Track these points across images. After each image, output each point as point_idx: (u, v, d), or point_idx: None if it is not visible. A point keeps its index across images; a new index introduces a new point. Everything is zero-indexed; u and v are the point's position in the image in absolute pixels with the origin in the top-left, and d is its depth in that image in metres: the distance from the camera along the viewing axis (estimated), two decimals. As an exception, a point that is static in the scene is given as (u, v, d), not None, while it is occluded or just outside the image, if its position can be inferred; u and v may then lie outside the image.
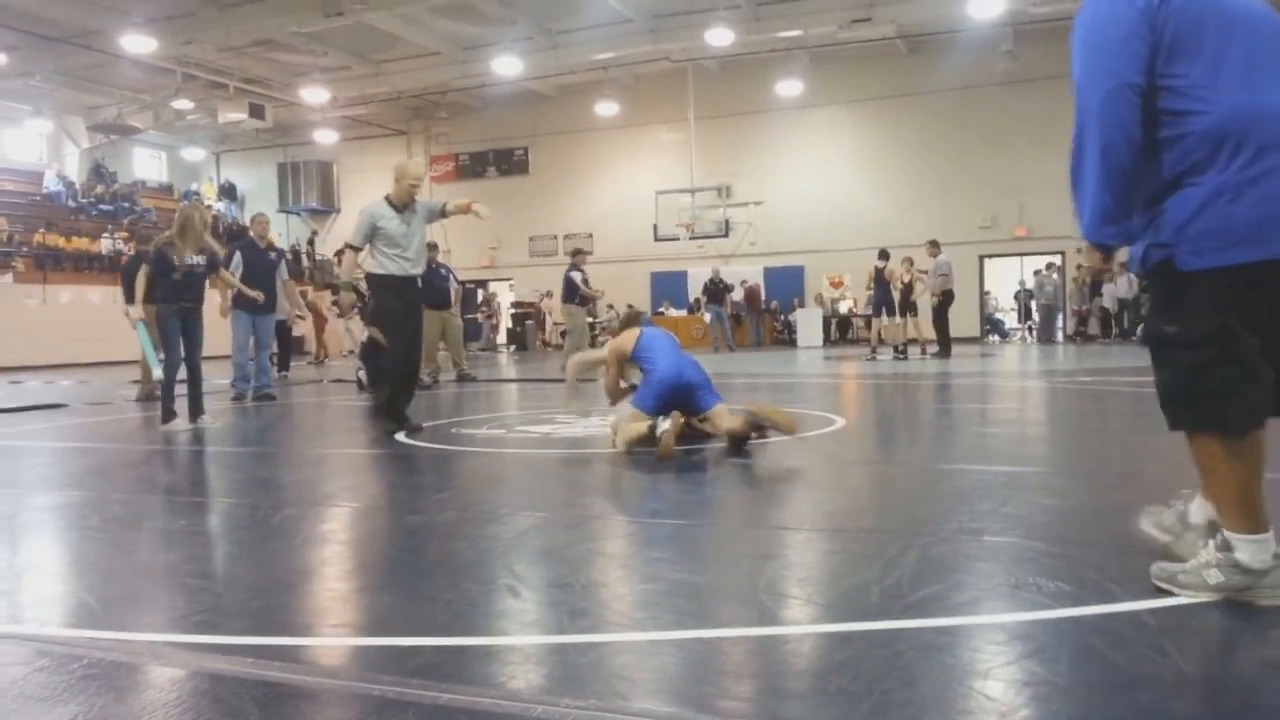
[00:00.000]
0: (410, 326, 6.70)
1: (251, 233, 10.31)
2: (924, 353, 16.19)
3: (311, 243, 26.98)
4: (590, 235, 27.51)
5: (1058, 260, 23.35)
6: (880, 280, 16.46)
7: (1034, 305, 23.31)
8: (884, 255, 16.71)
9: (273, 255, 10.29)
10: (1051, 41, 22.44)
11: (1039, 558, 2.90)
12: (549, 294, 24.86)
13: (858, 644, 2.21)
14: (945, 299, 15.86)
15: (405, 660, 2.17)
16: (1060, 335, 22.76)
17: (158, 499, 4.71)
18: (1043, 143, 23.47)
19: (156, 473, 5.62)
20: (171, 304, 7.16)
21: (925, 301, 16.28)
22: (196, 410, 7.41)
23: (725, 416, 5.40)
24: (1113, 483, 4.37)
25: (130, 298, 7.81)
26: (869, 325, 24.44)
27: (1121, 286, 21.49)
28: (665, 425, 5.17)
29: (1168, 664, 2.03)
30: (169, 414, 7.20)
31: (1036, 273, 23.33)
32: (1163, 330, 2.38)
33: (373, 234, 6.50)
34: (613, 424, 5.59)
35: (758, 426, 5.40)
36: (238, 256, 9.53)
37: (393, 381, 6.72)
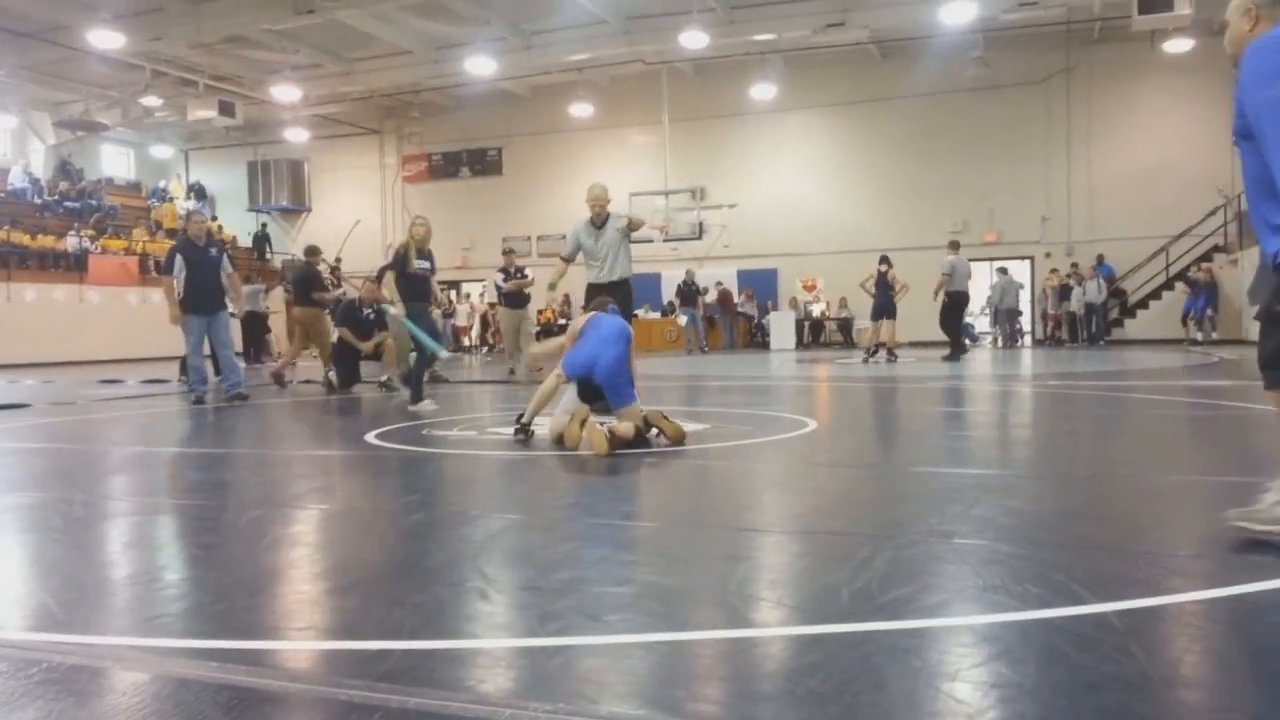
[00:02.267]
0: None
1: (188, 233, 9.86)
2: (892, 357, 16.27)
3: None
4: (564, 236, 27.34)
5: (1025, 265, 23.55)
6: (883, 284, 16.55)
7: (996, 310, 23.41)
8: (885, 260, 16.76)
9: (213, 251, 9.82)
10: (1022, 48, 22.73)
11: (1007, 560, 2.92)
12: None
13: (827, 646, 2.22)
14: (949, 300, 16.17)
15: (373, 664, 2.15)
16: (1029, 339, 22.89)
17: (121, 500, 4.64)
18: (1013, 149, 23.72)
19: (120, 474, 5.54)
20: (411, 303, 8.43)
21: (902, 307, 16.59)
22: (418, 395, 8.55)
23: (625, 416, 5.72)
24: (1080, 486, 4.41)
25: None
26: (841, 329, 24.72)
27: (1090, 291, 21.73)
28: (606, 422, 5.56)
29: (1133, 665, 2.05)
30: (419, 394, 8.49)
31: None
32: (1274, 309, 2.93)
33: (579, 249, 7.59)
34: (552, 422, 5.98)
35: (649, 428, 5.73)
36: (179, 259, 9.34)
37: None
